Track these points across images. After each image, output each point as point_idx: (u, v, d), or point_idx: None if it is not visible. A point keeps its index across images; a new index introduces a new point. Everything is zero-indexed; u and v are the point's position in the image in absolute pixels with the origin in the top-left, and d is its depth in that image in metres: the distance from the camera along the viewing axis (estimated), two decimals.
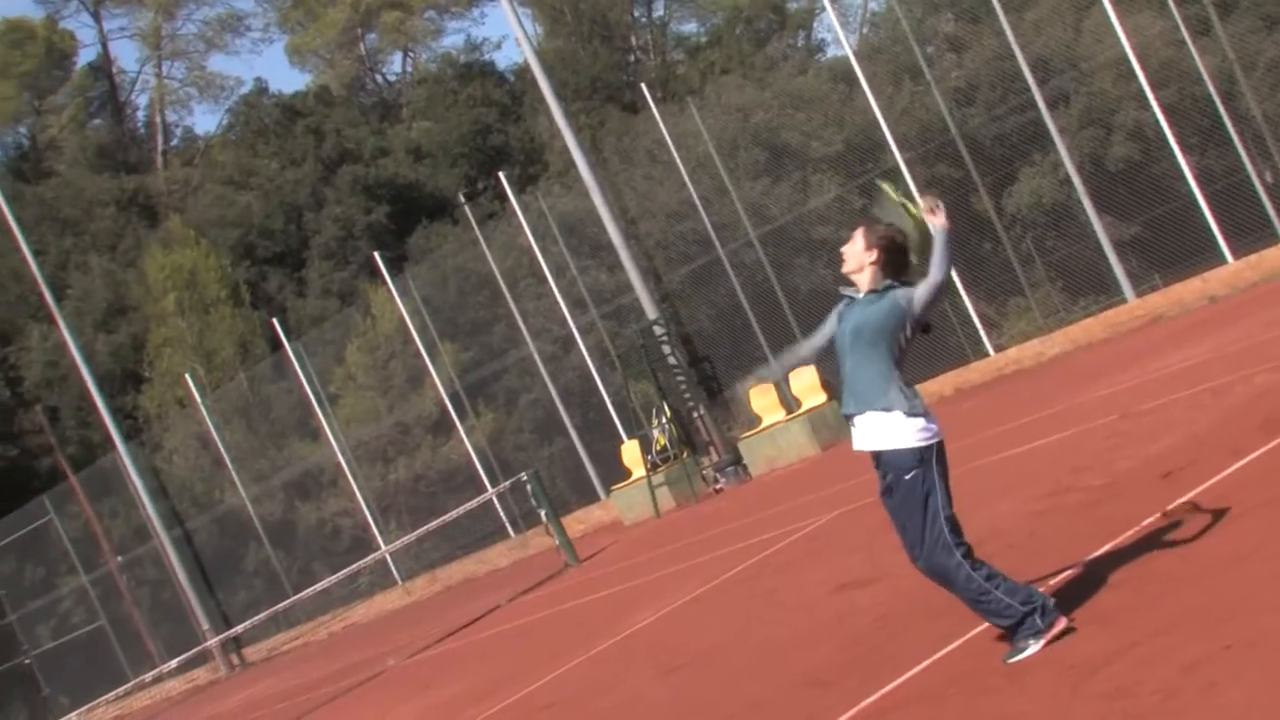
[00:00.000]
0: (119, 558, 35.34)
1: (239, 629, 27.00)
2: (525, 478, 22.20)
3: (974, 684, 7.02)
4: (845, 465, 18.82)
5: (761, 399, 23.16)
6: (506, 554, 27.40)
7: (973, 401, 20.17)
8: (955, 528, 6.98)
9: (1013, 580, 6.98)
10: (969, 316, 22.16)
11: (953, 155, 23.36)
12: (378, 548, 28.78)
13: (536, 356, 27.92)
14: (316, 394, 31.00)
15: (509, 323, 28.66)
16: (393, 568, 29.96)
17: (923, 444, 6.95)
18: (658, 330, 24.61)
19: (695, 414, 24.05)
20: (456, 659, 17.15)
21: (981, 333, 22.24)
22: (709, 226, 25.37)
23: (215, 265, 35.85)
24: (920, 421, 6.96)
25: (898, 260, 7.07)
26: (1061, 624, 6.85)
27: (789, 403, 23.15)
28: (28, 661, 38.01)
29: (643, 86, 27.61)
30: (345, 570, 24.95)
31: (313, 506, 32.50)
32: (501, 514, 28.07)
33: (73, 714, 26.06)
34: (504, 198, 28.17)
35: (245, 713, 21.83)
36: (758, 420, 23.35)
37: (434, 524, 24.20)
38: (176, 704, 30.76)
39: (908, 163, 22.39)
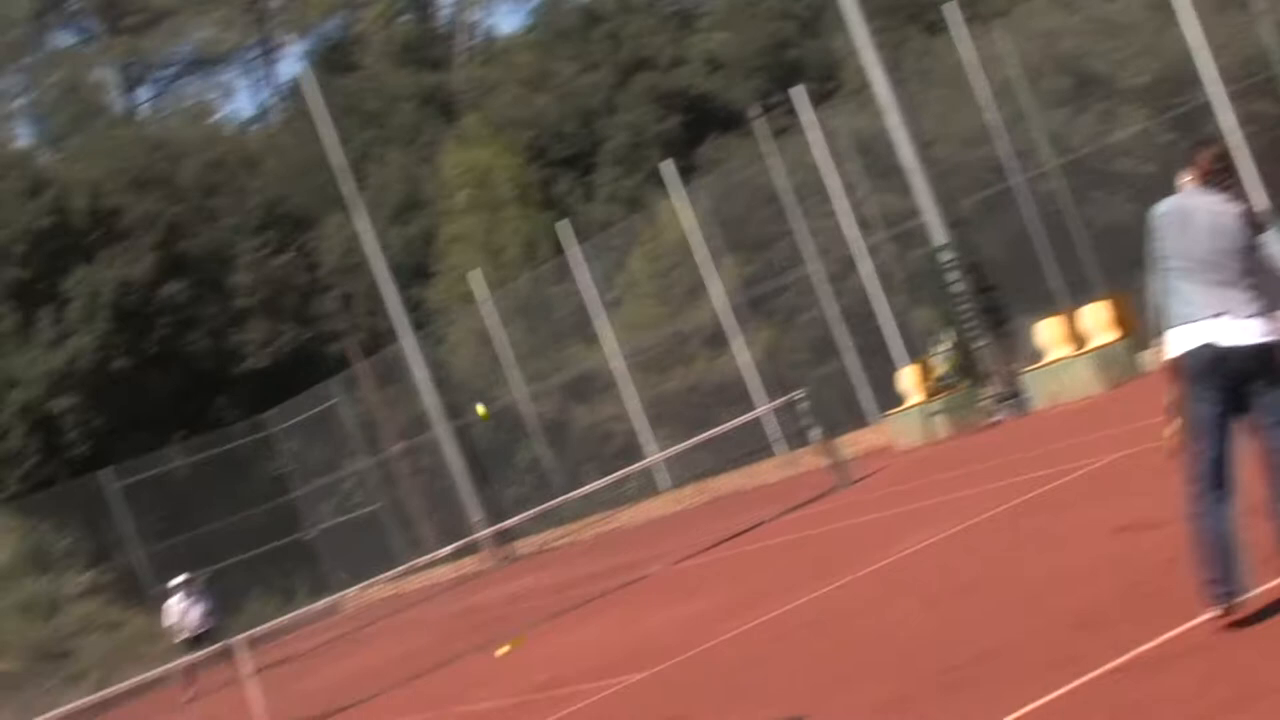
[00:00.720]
0: (399, 444, 36.47)
1: (509, 523, 27.61)
2: (799, 396, 22.07)
3: (1262, 643, 6.68)
4: (1133, 406, 18.18)
5: (1048, 332, 22.54)
6: (775, 470, 27.36)
7: None
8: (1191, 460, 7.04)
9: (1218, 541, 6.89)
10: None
11: (1274, 92, 22.19)
12: (647, 454, 29.05)
13: (818, 275, 27.66)
14: (597, 299, 31.32)
15: (792, 240, 28.42)
16: (661, 475, 30.23)
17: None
18: (945, 256, 24.11)
19: (977, 343, 23.53)
20: (720, 569, 17.21)
21: None
22: (1006, 154, 24.67)
23: (508, 165, 36.40)
24: None
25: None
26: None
27: (1077, 337, 22.45)
28: (310, 537, 39.65)
29: (944, 8, 26.88)
30: (614, 474, 25.24)
31: (586, 409, 32.95)
32: (773, 430, 28.00)
33: (351, 589, 27.05)
34: (797, 113, 27.87)
35: (512, 603, 22.35)
36: (1042, 354, 22.73)
37: (704, 435, 24.28)
38: (446, 590, 31.70)
39: (1225, 97, 21.37)
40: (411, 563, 27.44)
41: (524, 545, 33.28)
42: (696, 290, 30.10)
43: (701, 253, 29.10)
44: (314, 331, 42.10)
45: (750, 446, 28.20)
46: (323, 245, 42.24)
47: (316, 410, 38.55)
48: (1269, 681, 6.12)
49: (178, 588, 27.23)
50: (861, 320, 27.28)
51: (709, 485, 28.95)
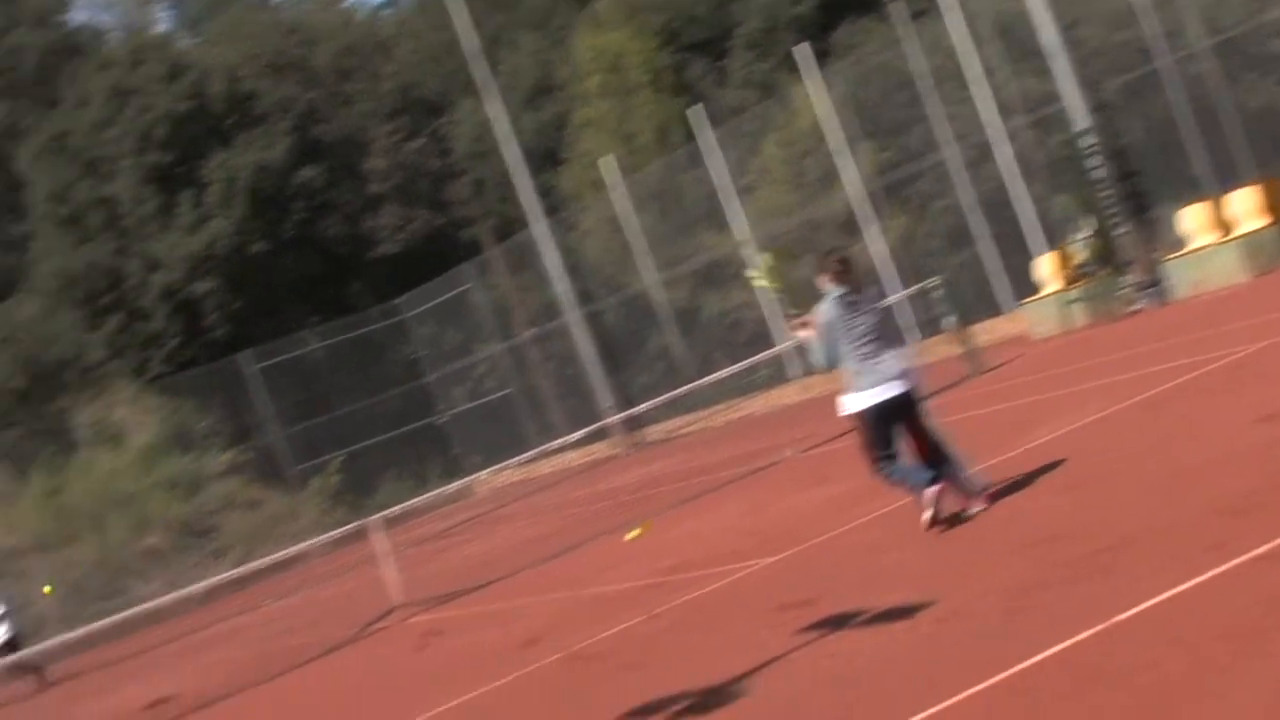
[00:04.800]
0: (530, 330, 36.67)
1: (639, 409, 27.68)
2: (933, 284, 21.78)
3: None
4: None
5: (1192, 219, 21.98)
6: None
7: None
8: None
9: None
10: None
11: None
12: (777, 342, 28.92)
13: (954, 162, 27.17)
14: (729, 185, 31.07)
15: (928, 125, 27.91)
16: (790, 363, 30.09)
17: None
18: (1086, 141, 23.54)
19: (1118, 231, 23.01)
20: (851, 457, 17.06)
21: None
22: (1152, 34, 23.92)
23: (641, 49, 36.05)
24: None
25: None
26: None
27: (1223, 224, 21.86)
28: (443, 421, 40.15)
29: None
30: (744, 362, 25.15)
31: (717, 297, 32.84)
32: (906, 319, 27.69)
33: (482, 473, 27.32)
34: None
35: (642, 488, 22.46)
36: (1185, 241, 22.18)
37: None
38: (576, 475, 31.98)
39: None
40: (542, 447, 27.65)
41: (653, 432, 33.42)
42: (830, 177, 29.74)
43: (835, 139, 28.70)
44: (446, 217, 42.30)
45: None
46: (455, 130, 42.33)
47: (449, 295, 38.87)
48: None
49: None
50: (998, 207, 26.79)
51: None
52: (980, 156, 27.26)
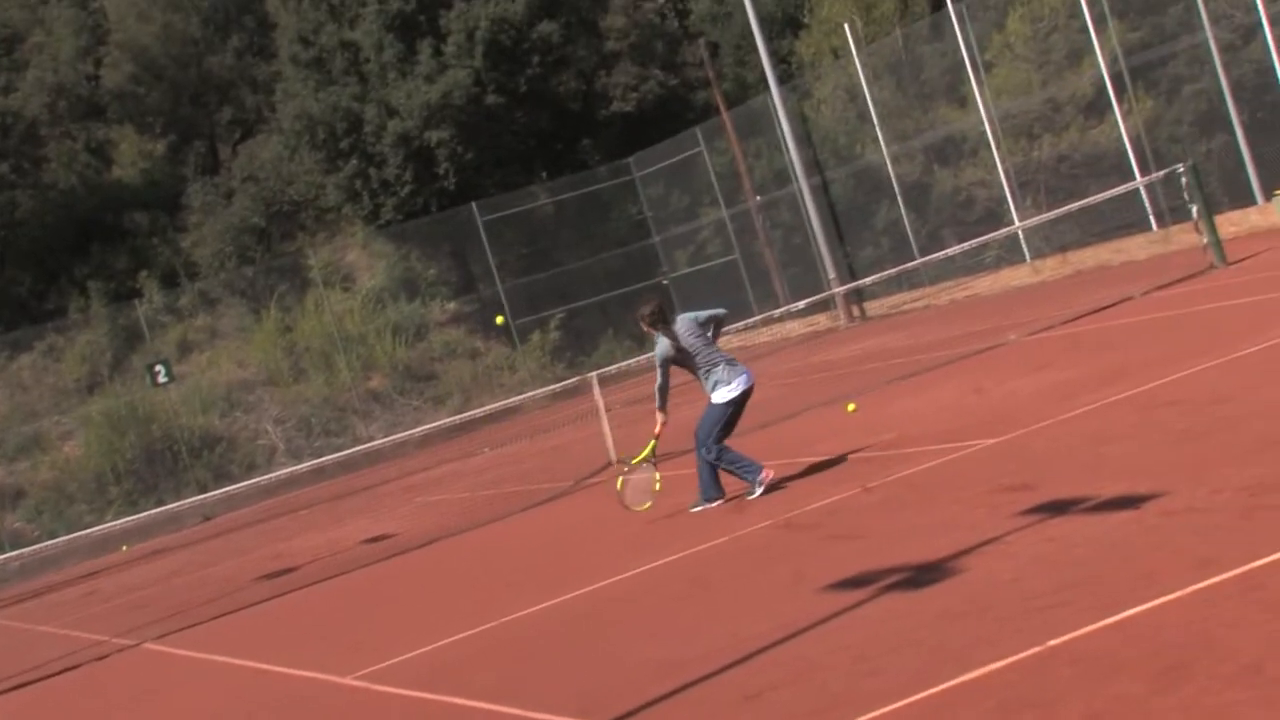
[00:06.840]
0: (758, 198, 36.42)
1: (864, 282, 27.41)
2: (1181, 169, 20.98)
3: None
4: None
5: None
6: (1145, 247, 26.27)
7: None
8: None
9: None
10: None
11: None
12: (1010, 222, 28.30)
13: (1212, 43, 26.00)
14: (971, 60, 30.25)
15: (1187, 4, 26.73)
16: (1023, 244, 29.41)
17: None
18: None
19: None
20: (1080, 343, 16.72)
21: None
22: None
23: None
24: None
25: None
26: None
27: None
28: (665, 282, 40.25)
29: None
30: (974, 240, 24.70)
31: (950, 173, 32.16)
32: (1146, 205, 26.81)
33: None
34: None
35: (861, 362, 22.29)
36: None
37: (1073, 206, 23.46)
38: (795, 345, 31.87)
39: None
40: (765, 314, 27.61)
41: (876, 306, 33.08)
42: (1076, 55, 28.74)
43: (1085, 16, 27.67)
44: (680, 79, 42.05)
45: (1120, 221, 27.11)
46: None
47: (679, 158, 38.76)
48: None
49: None
50: (1256, 94, 25.62)
51: (1073, 258, 28.04)
52: (1241, 39, 26.03)
